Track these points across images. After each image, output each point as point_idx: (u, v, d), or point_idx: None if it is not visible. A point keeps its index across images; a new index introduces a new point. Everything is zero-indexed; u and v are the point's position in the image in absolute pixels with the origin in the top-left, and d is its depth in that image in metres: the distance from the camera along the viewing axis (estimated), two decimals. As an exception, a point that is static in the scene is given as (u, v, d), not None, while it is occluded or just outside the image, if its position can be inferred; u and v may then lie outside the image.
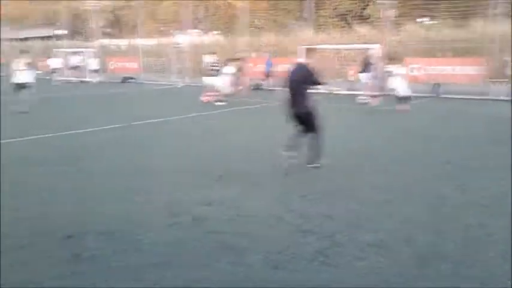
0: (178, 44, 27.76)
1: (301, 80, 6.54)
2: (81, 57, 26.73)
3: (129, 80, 25.68)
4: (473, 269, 3.60)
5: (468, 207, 5.04)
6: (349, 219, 4.68)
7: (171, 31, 36.41)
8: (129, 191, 5.71)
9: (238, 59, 18.91)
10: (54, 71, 25.47)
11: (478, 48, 19.38)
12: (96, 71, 26.28)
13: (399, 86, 12.90)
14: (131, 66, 27.87)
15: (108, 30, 42.42)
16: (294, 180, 6.24)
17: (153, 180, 6.23)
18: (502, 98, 15.72)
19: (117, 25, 43.21)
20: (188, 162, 7.24)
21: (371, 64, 15.30)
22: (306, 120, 6.62)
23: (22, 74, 12.69)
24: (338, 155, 7.39)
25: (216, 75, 14.87)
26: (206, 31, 36.06)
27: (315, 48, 7.24)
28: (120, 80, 25.39)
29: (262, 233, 4.37)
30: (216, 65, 15.24)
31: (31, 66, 13.59)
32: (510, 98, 15.35)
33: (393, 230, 4.39)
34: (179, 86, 23.22)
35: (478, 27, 20.88)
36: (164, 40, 32.28)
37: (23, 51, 15.20)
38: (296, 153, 6.67)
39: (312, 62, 6.72)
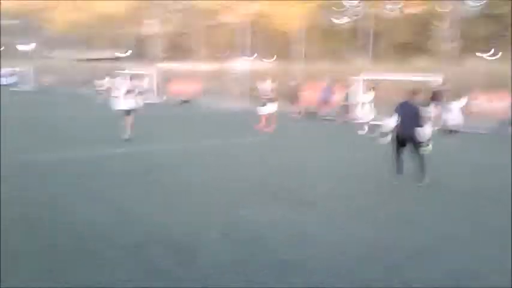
0: (235, 69, 28.47)
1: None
2: (145, 79, 27.99)
3: (187, 103, 26.53)
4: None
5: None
6: (411, 250, 4.57)
7: (228, 57, 37.47)
8: (186, 205, 5.89)
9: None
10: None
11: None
12: (157, 93, 27.42)
13: (452, 118, 12.83)
14: (190, 89, 28.85)
15: (167, 54, 44.24)
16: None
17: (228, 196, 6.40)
18: None
19: (176, 50, 44.97)
20: (246, 183, 7.36)
21: (438, 97, 15.04)
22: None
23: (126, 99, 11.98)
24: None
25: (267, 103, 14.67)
26: (261, 58, 36.78)
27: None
28: (178, 103, 26.27)
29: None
30: (269, 93, 15.16)
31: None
32: None
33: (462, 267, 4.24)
34: (237, 111, 23.69)
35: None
36: (222, 65, 33.21)
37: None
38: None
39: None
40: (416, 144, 7.45)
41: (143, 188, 6.89)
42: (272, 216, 5.58)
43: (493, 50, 26.81)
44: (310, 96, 21.96)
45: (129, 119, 11.61)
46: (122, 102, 11.91)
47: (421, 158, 7.46)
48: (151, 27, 40.57)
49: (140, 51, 43.61)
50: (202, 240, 4.75)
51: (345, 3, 34.89)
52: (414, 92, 7.71)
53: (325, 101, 20.66)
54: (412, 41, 29.35)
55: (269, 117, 14.59)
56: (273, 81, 16.09)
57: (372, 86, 16.54)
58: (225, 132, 14.44)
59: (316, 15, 33.70)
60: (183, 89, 29.36)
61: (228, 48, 40.61)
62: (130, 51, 38.57)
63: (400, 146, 7.62)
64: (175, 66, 38.34)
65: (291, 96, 21.33)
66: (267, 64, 34.14)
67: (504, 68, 21.76)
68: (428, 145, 7.85)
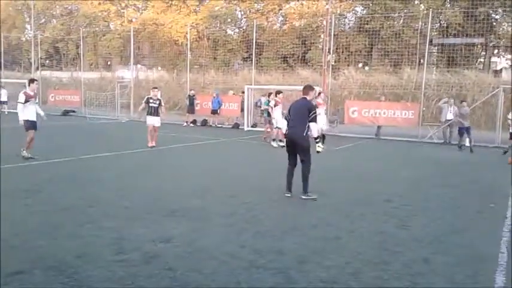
0: (122, 78, 27.51)
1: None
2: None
3: (70, 113, 24.94)
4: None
5: (411, 243, 5.35)
6: (301, 255, 4.82)
7: (113, 65, 36.08)
8: (78, 224, 5.53)
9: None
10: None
11: (406, 94, 20.95)
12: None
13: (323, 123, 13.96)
14: (73, 99, 27.18)
15: (48, 61, 41.27)
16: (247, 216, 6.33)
17: (104, 215, 6.08)
18: (435, 141, 16.94)
19: (56, 57, 42.13)
20: (138, 197, 7.13)
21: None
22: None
23: None
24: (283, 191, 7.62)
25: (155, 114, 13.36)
26: (150, 67, 36.06)
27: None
28: (60, 113, 24.57)
29: (215, 270, 4.40)
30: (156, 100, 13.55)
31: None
32: (442, 141, 16.66)
33: (343, 266, 4.57)
34: (124, 121, 22.84)
35: (406, 74, 22.67)
36: (107, 74, 31.89)
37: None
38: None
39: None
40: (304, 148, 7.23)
41: (34, 204, 6.33)
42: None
43: (367, 61, 29.44)
44: (201, 105, 22.06)
45: None
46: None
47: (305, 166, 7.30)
48: (29, 32, 37.60)
49: (15, 59, 40.12)
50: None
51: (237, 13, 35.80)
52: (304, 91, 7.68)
53: (215, 110, 20.94)
54: (294, 52, 31.04)
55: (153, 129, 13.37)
56: (159, 90, 15.38)
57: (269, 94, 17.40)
58: (113, 144, 13.84)
59: (207, 25, 34.01)
60: (65, 98, 27.59)
61: (115, 56, 39.16)
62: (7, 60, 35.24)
63: (290, 154, 7.43)
64: (57, 74, 35.92)
65: (183, 106, 21.32)
66: (156, 73, 33.57)
67: (377, 78, 24.04)
68: (318, 142, 7.53)
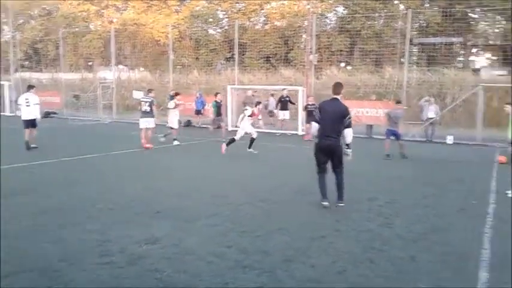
0: (104, 79, 27.17)
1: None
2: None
3: (52, 115, 24.54)
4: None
5: (396, 241, 5.40)
6: (286, 254, 4.82)
7: (95, 66, 35.57)
8: (62, 227, 5.44)
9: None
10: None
11: (389, 93, 21.18)
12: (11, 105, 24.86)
13: None
14: (53, 100, 26.75)
15: (27, 63, 40.59)
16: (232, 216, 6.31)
17: (88, 217, 5.99)
18: (418, 139, 17.13)
19: (36, 58, 41.42)
20: (123, 198, 7.05)
21: (289, 102, 18.46)
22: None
23: None
24: (274, 191, 7.63)
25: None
26: (132, 67, 35.72)
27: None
28: (41, 115, 24.10)
29: (202, 270, 4.37)
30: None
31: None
32: (424, 140, 16.88)
33: (329, 265, 4.59)
34: (106, 122, 22.57)
35: (388, 73, 22.91)
36: (88, 75, 31.46)
37: None
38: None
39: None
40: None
41: (17, 206, 6.20)
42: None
43: (349, 61, 29.67)
44: (184, 106, 21.91)
45: None
46: None
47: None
48: (7, 33, 36.86)
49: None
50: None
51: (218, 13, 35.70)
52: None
53: (198, 111, 20.84)
54: (277, 52, 31.09)
55: (147, 130, 13.46)
56: (150, 92, 14.77)
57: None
58: (96, 145, 13.65)
59: (189, 25, 33.84)
60: (46, 100, 27.12)
61: (96, 57, 38.64)
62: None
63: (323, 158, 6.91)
64: (37, 76, 35.30)
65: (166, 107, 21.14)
66: (139, 74, 33.25)
67: (359, 77, 24.23)
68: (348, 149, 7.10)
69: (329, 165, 6.98)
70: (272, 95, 20.52)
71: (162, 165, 10.62)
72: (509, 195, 7.83)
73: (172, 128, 14.38)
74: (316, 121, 6.87)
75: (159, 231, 5.50)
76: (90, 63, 39.68)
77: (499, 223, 6.24)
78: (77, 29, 37.19)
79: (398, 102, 13.94)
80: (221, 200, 7.17)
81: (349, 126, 6.76)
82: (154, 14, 36.80)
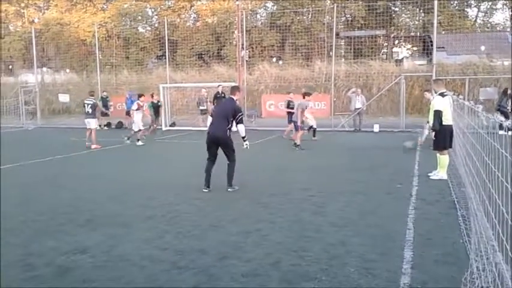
0: (26, 83, 25.68)
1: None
2: None
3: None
4: (336, 285, 4.01)
5: (328, 228, 5.58)
6: (222, 251, 4.83)
7: (16, 69, 33.53)
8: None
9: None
10: None
11: (319, 86, 21.81)
12: None
13: None
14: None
15: None
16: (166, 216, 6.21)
17: (7, 230, 5.65)
18: (347, 129, 17.78)
19: None
20: (50, 207, 6.71)
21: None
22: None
23: None
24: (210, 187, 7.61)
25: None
26: (57, 69, 34.07)
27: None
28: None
29: (135, 276, 4.27)
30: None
31: None
32: (353, 129, 17.55)
33: (263, 257, 4.65)
34: (30, 129, 21.36)
35: (317, 67, 23.59)
36: (9, 79, 29.63)
37: None
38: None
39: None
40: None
41: None
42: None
43: (280, 56, 30.14)
44: (115, 107, 21.27)
45: None
46: None
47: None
48: None
49: None
50: None
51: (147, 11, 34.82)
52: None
53: (129, 112, 20.26)
54: (209, 49, 30.96)
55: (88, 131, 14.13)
56: (93, 94, 14.87)
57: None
58: (18, 154, 12.88)
59: (116, 24, 32.74)
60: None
61: (17, 60, 36.41)
62: None
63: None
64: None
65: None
66: (64, 76, 31.75)
67: (290, 71, 24.70)
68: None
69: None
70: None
71: (88, 171, 10.23)
72: (432, 177, 8.34)
73: (136, 131, 14.63)
74: (211, 115, 7.97)
75: (89, 240, 5.30)
76: (10, 67, 37.39)
77: (422, 204, 6.64)
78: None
79: (305, 94, 13.78)
80: (155, 202, 7.05)
81: (240, 122, 7.59)
82: (79, 12, 35.34)
